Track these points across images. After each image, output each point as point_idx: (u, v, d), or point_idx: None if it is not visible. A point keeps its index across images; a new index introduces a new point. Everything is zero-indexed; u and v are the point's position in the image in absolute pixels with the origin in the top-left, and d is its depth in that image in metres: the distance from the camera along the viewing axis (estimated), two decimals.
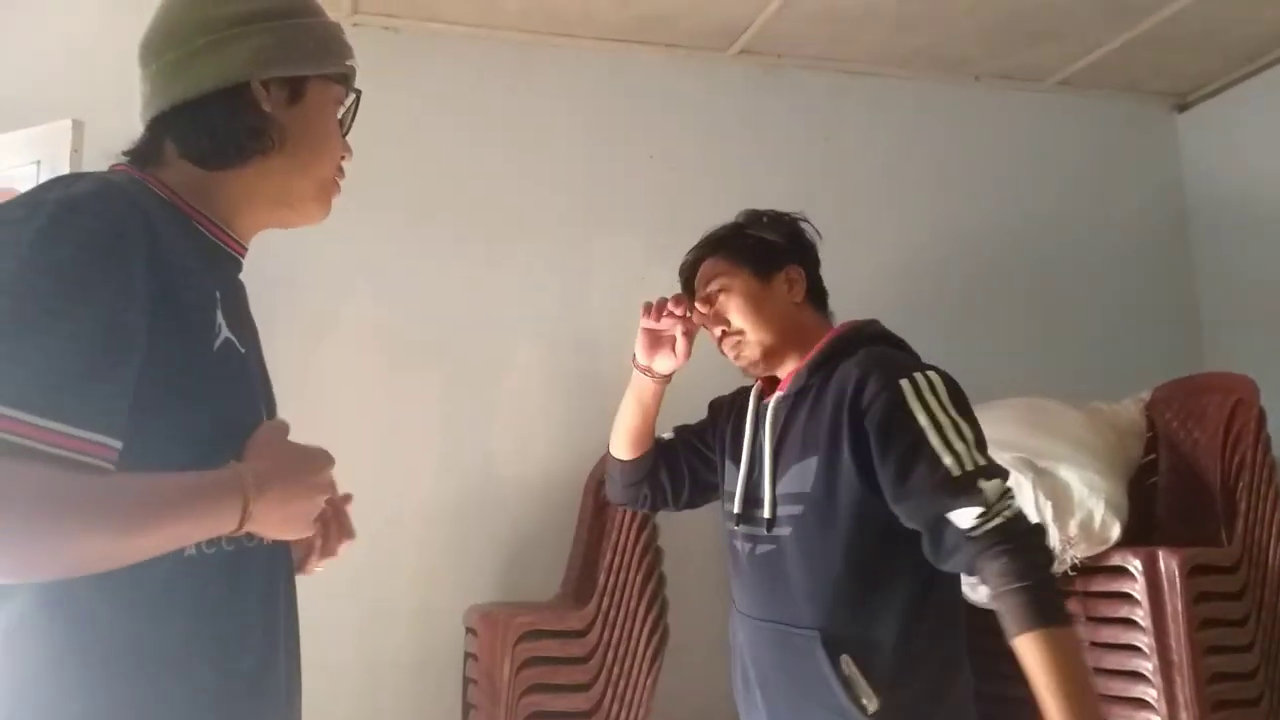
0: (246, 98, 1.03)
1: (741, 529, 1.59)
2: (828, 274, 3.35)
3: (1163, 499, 2.58)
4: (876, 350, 1.56)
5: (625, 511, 2.51)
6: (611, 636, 2.44)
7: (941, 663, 1.47)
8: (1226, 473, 2.43)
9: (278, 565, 1.07)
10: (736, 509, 1.60)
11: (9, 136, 2.33)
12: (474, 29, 2.96)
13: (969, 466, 1.37)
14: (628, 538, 2.50)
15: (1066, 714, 1.23)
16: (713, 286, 1.66)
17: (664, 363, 1.67)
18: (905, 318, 3.05)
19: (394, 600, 2.65)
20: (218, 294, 0.99)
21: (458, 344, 2.82)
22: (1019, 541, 1.33)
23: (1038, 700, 1.27)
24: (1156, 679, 2.18)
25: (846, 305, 3.12)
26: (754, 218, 1.72)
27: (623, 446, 1.78)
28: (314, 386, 2.61)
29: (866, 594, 1.44)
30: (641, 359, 1.69)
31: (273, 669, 1.02)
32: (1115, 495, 2.34)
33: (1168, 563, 2.20)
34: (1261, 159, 3.26)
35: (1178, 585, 2.18)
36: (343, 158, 1.14)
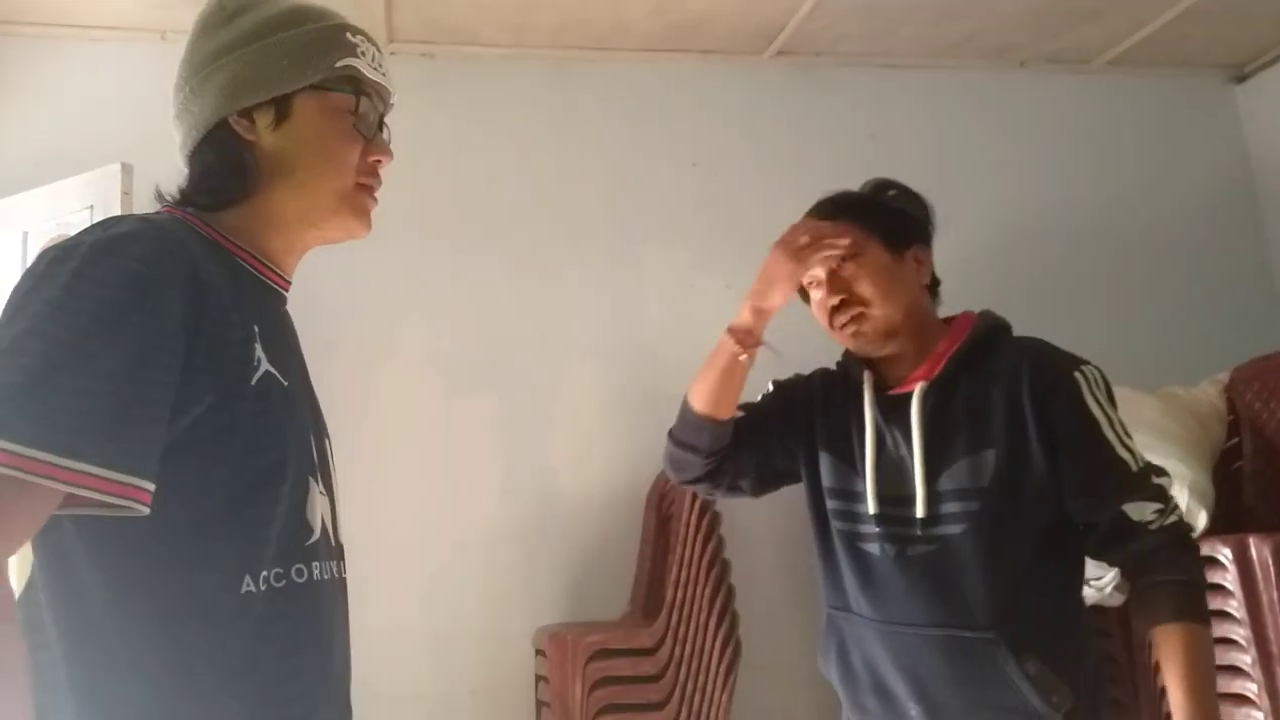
0: (227, 134, 1.03)
1: (881, 529, 1.44)
2: None
3: (1250, 484, 2.48)
4: (1030, 340, 1.51)
5: (690, 524, 2.47)
6: (683, 653, 2.39)
7: (1096, 653, 1.50)
8: None
9: (330, 603, 1.04)
10: (873, 509, 1.45)
11: (62, 184, 2.37)
12: (509, 49, 2.97)
13: (1142, 463, 1.40)
14: (693, 551, 2.46)
15: (1203, 710, 1.29)
16: (847, 253, 1.50)
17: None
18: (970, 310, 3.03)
19: (462, 625, 2.64)
20: (256, 328, 0.97)
21: (513, 365, 2.82)
22: (1189, 539, 1.41)
23: (1169, 689, 1.32)
24: (1256, 672, 2.09)
25: None
26: (885, 187, 1.60)
27: (715, 402, 1.51)
28: (374, 415, 2.63)
29: (1044, 589, 1.41)
30: (761, 306, 1.48)
31: (320, 714, 1.00)
32: (1200, 483, 2.26)
33: (1259, 550, 2.11)
34: None
35: (1271, 573, 2.09)
36: (378, 161, 1.10)
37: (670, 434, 1.59)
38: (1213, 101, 3.44)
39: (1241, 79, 3.43)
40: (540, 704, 2.51)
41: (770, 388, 1.67)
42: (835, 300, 1.48)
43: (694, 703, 2.39)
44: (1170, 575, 1.36)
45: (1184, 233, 3.29)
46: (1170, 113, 3.38)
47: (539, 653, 2.51)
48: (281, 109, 1.04)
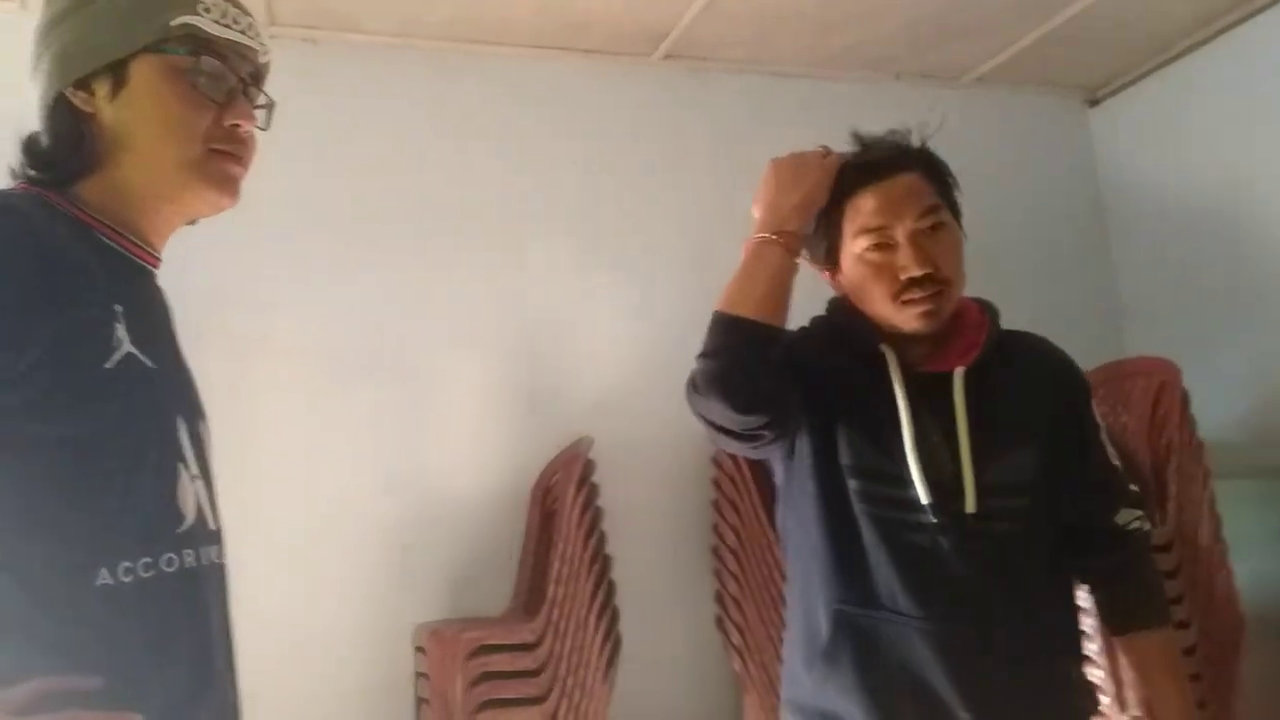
0: (65, 108, 0.99)
1: (935, 521, 1.29)
2: None
3: None
4: (1034, 335, 1.48)
5: (573, 520, 2.48)
6: (563, 648, 2.41)
7: None
8: (1155, 455, 2.50)
9: (209, 591, 1.00)
10: (925, 498, 1.29)
11: None
12: (394, 39, 2.92)
13: (1123, 470, 1.43)
14: (575, 547, 2.48)
15: (1189, 699, 1.37)
16: (928, 219, 1.34)
17: None
18: None
19: (340, 624, 2.59)
20: (119, 307, 0.93)
21: (393, 358, 2.77)
22: (1151, 548, 1.47)
23: (1156, 684, 1.38)
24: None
25: (792, 304, 3.16)
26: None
27: (775, 307, 1.31)
28: (246, 406, 2.54)
29: (1068, 591, 1.40)
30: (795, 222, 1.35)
31: (201, 707, 0.97)
32: None
33: None
34: (1169, 150, 3.36)
35: None
36: (236, 126, 1.02)
37: (718, 355, 1.29)
38: (1068, 122, 3.65)
39: (1095, 102, 3.65)
40: (420, 701, 2.48)
41: None
42: (921, 271, 1.30)
43: (574, 697, 2.40)
44: (1149, 580, 1.43)
45: (1037, 245, 3.48)
46: (1029, 130, 3.57)
47: (419, 649, 2.49)
48: (118, 76, 0.98)
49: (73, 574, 0.87)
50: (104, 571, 0.88)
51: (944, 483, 1.30)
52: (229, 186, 1.03)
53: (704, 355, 1.30)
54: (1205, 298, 3.20)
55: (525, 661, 2.37)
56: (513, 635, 2.39)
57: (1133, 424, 2.60)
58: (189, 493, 0.98)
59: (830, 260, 1.42)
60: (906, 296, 1.32)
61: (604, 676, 2.45)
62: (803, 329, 1.46)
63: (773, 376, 1.30)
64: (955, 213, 1.40)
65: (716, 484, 2.78)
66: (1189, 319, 3.25)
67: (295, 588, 2.54)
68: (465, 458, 2.78)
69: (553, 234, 2.98)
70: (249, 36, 1.04)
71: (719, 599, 2.75)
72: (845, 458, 1.34)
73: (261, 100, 1.08)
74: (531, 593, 2.59)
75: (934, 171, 1.39)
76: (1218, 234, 3.16)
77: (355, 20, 2.83)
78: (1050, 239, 3.50)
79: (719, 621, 2.75)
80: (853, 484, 1.33)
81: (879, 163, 1.37)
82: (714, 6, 2.86)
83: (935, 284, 1.31)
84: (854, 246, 1.36)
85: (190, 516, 0.97)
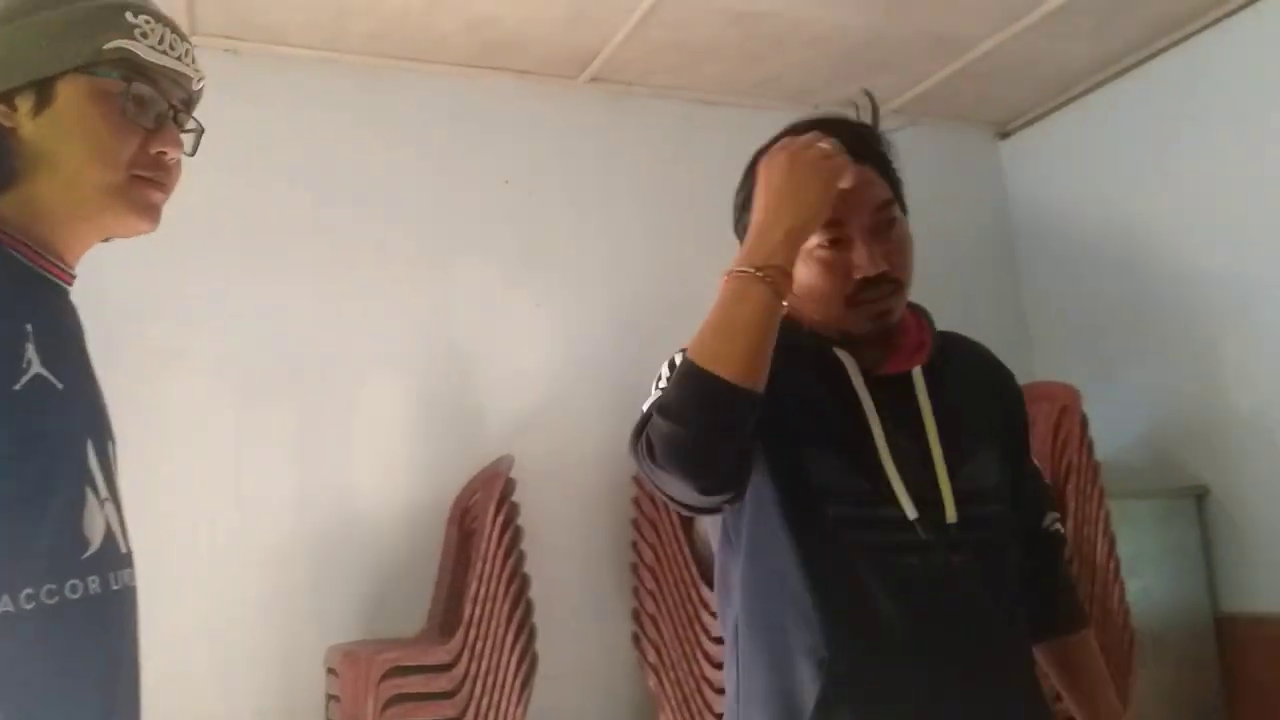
0: None
1: (924, 538, 1.16)
2: (683, 298, 3.41)
3: None
4: (963, 335, 1.40)
5: (492, 539, 2.48)
6: (479, 668, 2.40)
7: None
8: (1055, 475, 2.60)
9: (117, 618, 0.98)
10: (911, 512, 1.16)
11: None
12: (320, 53, 2.90)
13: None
14: (494, 566, 2.48)
15: (1114, 694, 1.33)
16: (887, 214, 1.22)
17: None
18: None
19: (248, 644, 2.54)
20: (28, 326, 0.91)
21: (312, 374, 2.74)
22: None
23: (1089, 686, 1.31)
24: None
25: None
26: (870, 124, 1.30)
27: (755, 366, 1.09)
28: (160, 421, 2.50)
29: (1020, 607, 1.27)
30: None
31: None
32: None
33: None
34: (1074, 183, 3.52)
35: None
36: (162, 153, 1.01)
37: (685, 425, 1.08)
38: (979, 154, 3.79)
39: (1005, 135, 3.79)
40: None
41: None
42: (877, 271, 1.18)
43: (489, 718, 2.39)
44: (1072, 581, 1.39)
45: (947, 273, 3.58)
46: (942, 161, 3.68)
47: (330, 671, 2.45)
48: (43, 94, 0.96)
49: None
50: (5, 598, 0.86)
51: (923, 494, 1.17)
52: (149, 213, 1.02)
53: (666, 414, 1.09)
54: (1106, 325, 3.35)
55: (440, 683, 2.36)
56: (428, 656, 2.38)
57: (1035, 445, 2.69)
58: (97, 516, 0.96)
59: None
60: (861, 297, 1.20)
61: (519, 697, 2.45)
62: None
63: (746, 451, 1.12)
64: (903, 209, 1.27)
65: (636, 503, 2.81)
66: (1091, 346, 3.39)
67: (206, 606, 2.50)
68: (383, 475, 2.76)
69: (477, 252, 2.99)
70: (184, 63, 1.04)
71: (636, 617, 2.77)
72: (821, 479, 1.18)
73: (190, 125, 1.07)
74: (447, 613, 2.58)
75: (886, 165, 1.26)
76: (1119, 264, 3.31)
77: (279, 32, 2.81)
78: (962, 266, 3.62)
79: (635, 639, 2.77)
80: (833, 510, 1.17)
81: (836, 149, 1.19)
82: (639, 33, 2.91)
83: (890, 284, 1.20)
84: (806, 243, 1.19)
85: (98, 541, 0.95)
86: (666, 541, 2.70)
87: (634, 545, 2.80)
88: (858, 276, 1.18)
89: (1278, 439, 2.81)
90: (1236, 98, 2.95)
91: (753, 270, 1.10)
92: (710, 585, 2.50)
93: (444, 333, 2.91)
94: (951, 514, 1.17)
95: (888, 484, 1.17)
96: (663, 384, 1.25)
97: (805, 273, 1.21)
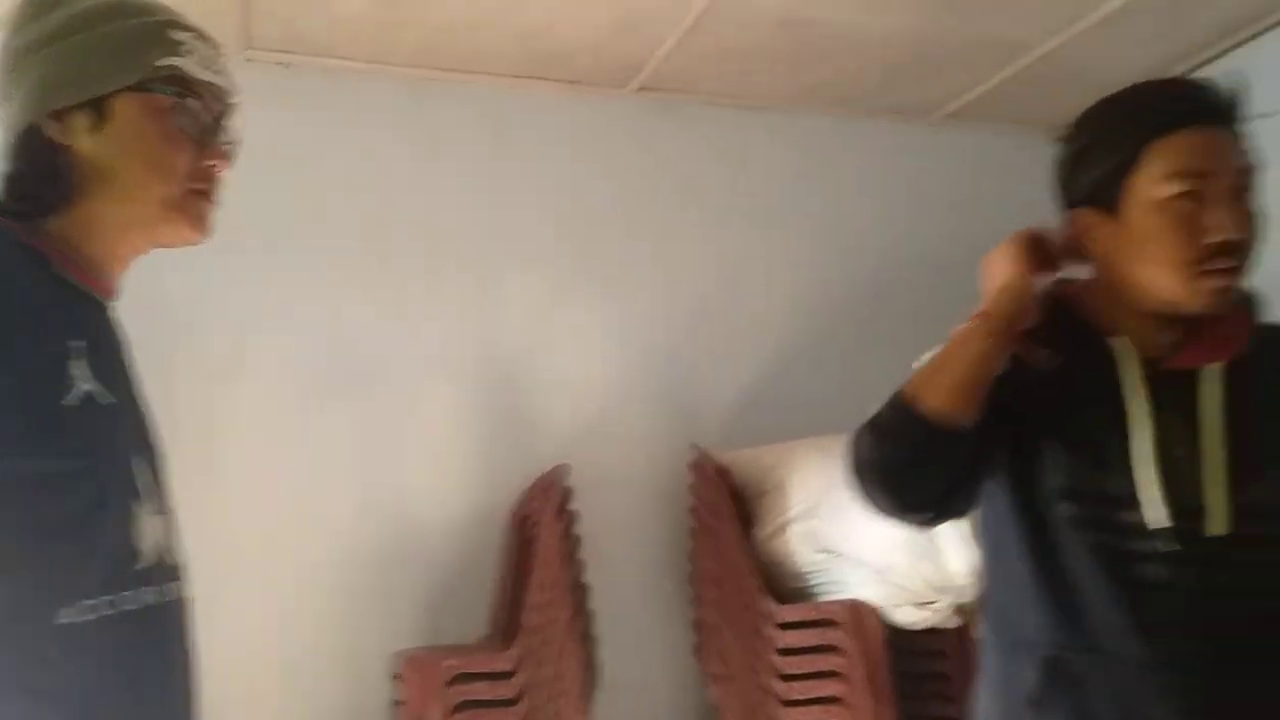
0: (39, 139, 0.97)
1: (1174, 549, 1.10)
2: (736, 305, 3.38)
3: None
4: None
5: (551, 548, 2.46)
6: (541, 676, 2.37)
7: None
8: None
9: (168, 629, 1.00)
10: (1164, 521, 1.10)
11: None
12: (369, 65, 2.92)
13: None
14: (554, 574, 2.46)
15: None
16: (1248, 182, 1.14)
17: None
18: (815, 345, 3.16)
19: (315, 650, 2.55)
20: (77, 343, 0.93)
21: (369, 383, 2.75)
22: None
23: None
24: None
25: (766, 334, 3.18)
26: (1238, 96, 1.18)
27: (968, 400, 1.12)
28: (221, 432, 2.52)
29: None
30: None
31: None
32: None
33: None
34: None
35: None
36: (212, 166, 1.04)
37: (880, 449, 1.14)
38: (1033, 156, 3.72)
39: (1060, 138, 3.73)
40: None
41: None
42: (1238, 236, 1.10)
43: None
44: None
45: None
46: (996, 164, 3.64)
47: (396, 677, 2.44)
48: (99, 111, 0.98)
49: (34, 614, 0.86)
50: (64, 611, 0.87)
51: (1188, 504, 1.10)
52: (202, 224, 1.05)
53: (875, 429, 1.15)
54: None
55: (503, 690, 2.33)
56: (491, 663, 2.36)
57: None
58: (147, 529, 0.97)
59: (1104, 201, 1.17)
60: (1209, 265, 1.09)
61: (582, 706, 2.42)
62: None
63: (951, 478, 1.13)
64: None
65: (694, 511, 2.78)
66: None
67: (270, 613, 2.51)
68: (440, 483, 2.76)
69: (528, 261, 2.99)
70: (224, 78, 1.07)
71: (697, 627, 2.74)
72: (1055, 480, 1.15)
73: (230, 138, 1.10)
74: (508, 620, 2.56)
75: (1246, 143, 1.16)
76: None
77: (329, 46, 2.83)
78: None
79: (696, 650, 2.73)
80: (1064, 509, 1.14)
81: (1211, 106, 1.15)
82: (688, 41, 2.90)
83: (1241, 256, 1.11)
84: (1157, 190, 1.11)
85: (149, 553, 0.97)
86: (726, 549, 2.66)
87: (691, 555, 2.76)
88: (1213, 239, 1.09)
89: None
90: None
91: (974, 316, 1.17)
92: (775, 597, 2.46)
93: (497, 341, 2.91)
94: (1218, 526, 1.09)
95: (1139, 487, 1.11)
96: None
97: (1149, 225, 1.12)
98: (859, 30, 2.92)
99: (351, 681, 2.54)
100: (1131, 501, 1.11)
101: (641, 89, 3.19)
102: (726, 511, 2.66)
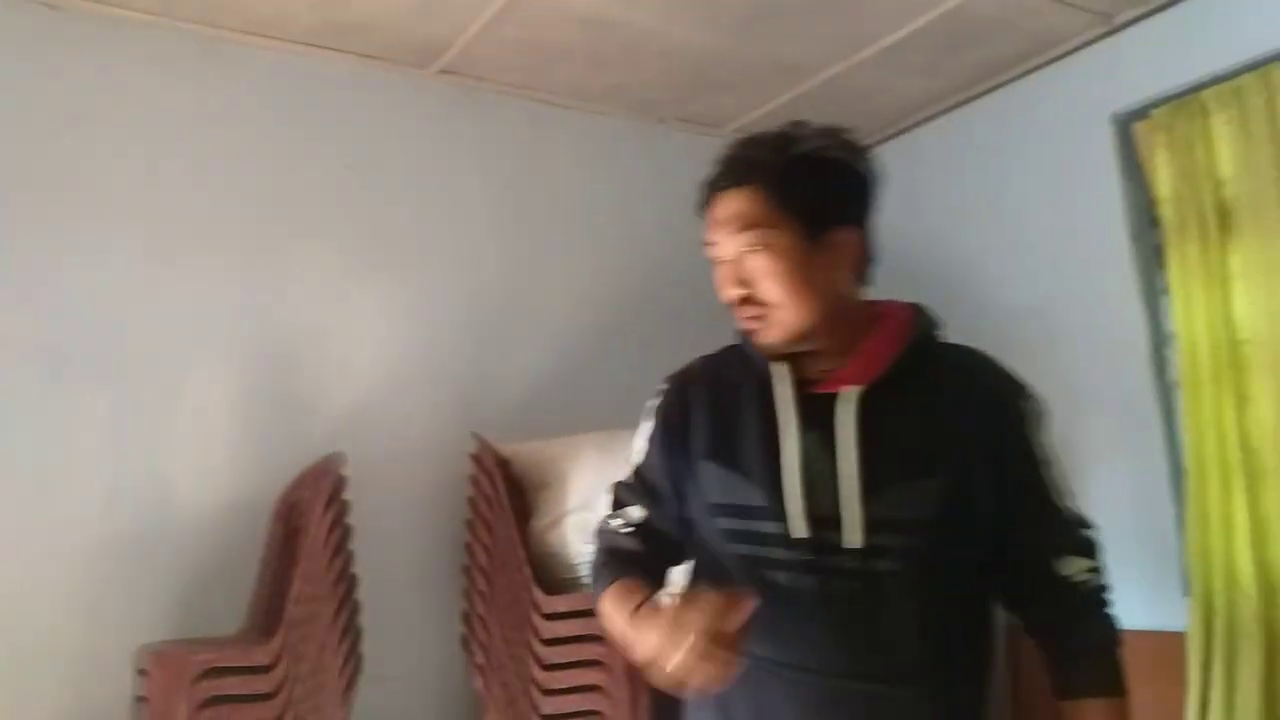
0: None
1: (800, 557, 1.20)
2: (524, 296, 3.40)
3: None
4: (971, 351, 1.33)
5: (318, 538, 2.40)
6: (300, 670, 2.31)
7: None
8: None
9: None
10: (798, 531, 1.20)
11: None
12: (154, 17, 2.73)
13: (1080, 513, 1.27)
14: (320, 566, 2.39)
15: None
16: (743, 241, 1.23)
17: None
18: (600, 341, 3.23)
19: (50, 644, 2.36)
20: None
21: (130, 358, 2.57)
22: (1111, 605, 1.27)
23: None
24: None
25: (551, 328, 3.21)
26: (807, 139, 1.26)
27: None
28: None
29: (968, 639, 1.26)
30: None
31: None
32: None
33: None
34: (902, 213, 3.66)
35: None
36: None
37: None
38: None
39: None
40: None
41: (642, 448, 1.39)
42: (737, 294, 1.25)
43: None
44: (1100, 644, 1.25)
45: None
46: None
47: (141, 672, 2.30)
48: None
49: None
50: None
51: (823, 516, 1.20)
52: None
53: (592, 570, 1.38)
54: None
55: (259, 685, 2.25)
56: (246, 657, 2.27)
57: None
58: None
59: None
60: (737, 313, 1.27)
61: (342, 699, 2.38)
62: (700, 360, 1.42)
63: (666, 556, 1.35)
64: (819, 217, 1.24)
65: (472, 503, 2.78)
66: None
67: (8, 604, 2.31)
68: (204, 469, 2.62)
69: (314, 237, 2.89)
70: None
71: (466, 619, 2.74)
72: (713, 495, 1.27)
73: None
74: (268, 613, 2.47)
75: (760, 176, 1.23)
76: (945, 296, 3.45)
77: None
78: None
79: (464, 641, 2.74)
80: (723, 524, 1.26)
81: (712, 179, 1.28)
82: (492, 29, 2.89)
83: (755, 306, 1.24)
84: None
85: None
86: (501, 542, 2.69)
87: (467, 546, 2.77)
88: (726, 295, 1.27)
89: None
90: (1049, 141, 3.19)
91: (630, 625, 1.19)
92: (544, 589, 2.51)
93: (275, 320, 2.79)
94: (854, 539, 1.18)
95: (775, 499, 1.22)
96: (634, 457, 1.40)
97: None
98: (656, 38, 3.00)
99: (89, 678, 2.37)
100: (769, 513, 1.22)
101: (442, 72, 3.15)
102: (504, 503, 2.68)
